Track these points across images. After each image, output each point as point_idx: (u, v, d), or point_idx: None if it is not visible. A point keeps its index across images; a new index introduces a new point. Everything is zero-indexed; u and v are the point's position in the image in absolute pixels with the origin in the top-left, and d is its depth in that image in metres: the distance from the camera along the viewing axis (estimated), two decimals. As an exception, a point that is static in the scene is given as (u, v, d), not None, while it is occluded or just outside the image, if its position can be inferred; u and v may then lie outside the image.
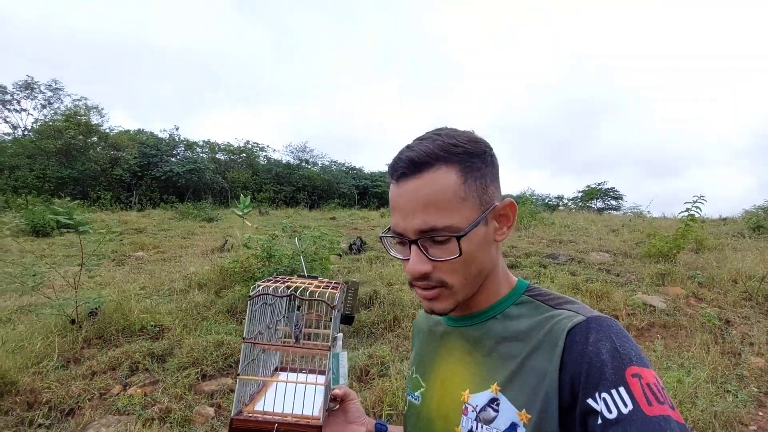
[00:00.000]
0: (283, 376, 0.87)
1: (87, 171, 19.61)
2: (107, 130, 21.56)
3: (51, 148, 19.15)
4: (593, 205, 27.25)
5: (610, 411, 0.46)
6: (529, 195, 31.22)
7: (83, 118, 20.47)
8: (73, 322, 3.63)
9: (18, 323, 3.88)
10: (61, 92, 24.15)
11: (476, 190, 0.57)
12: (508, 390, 0.56)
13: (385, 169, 0.63)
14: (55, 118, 20.79)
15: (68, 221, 3.55)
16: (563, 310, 0.57)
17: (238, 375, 0.72)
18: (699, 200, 5.78)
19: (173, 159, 22.71)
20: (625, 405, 0.45)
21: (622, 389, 0.46)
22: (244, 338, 0.73)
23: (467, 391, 0.60)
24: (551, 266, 5.65)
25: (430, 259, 0.57)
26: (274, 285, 0.78)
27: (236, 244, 8.20)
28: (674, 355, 3.27)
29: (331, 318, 0.78)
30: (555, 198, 29.29)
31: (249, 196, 8.68)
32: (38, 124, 22.57)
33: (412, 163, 0.56)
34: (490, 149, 0.60)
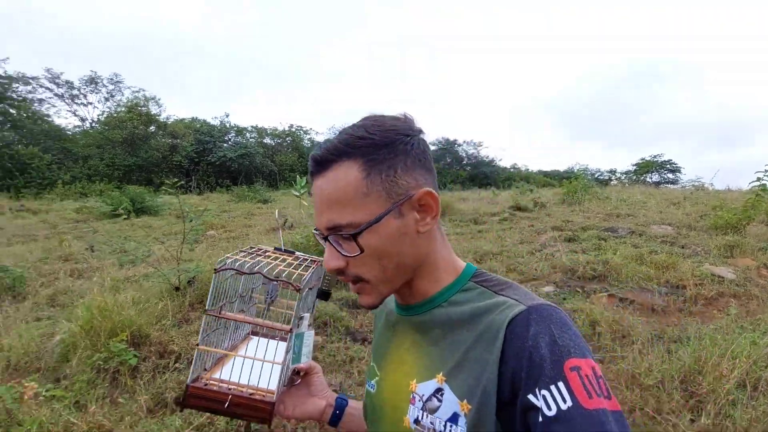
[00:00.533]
0: (253, 341, 0.87)
1: (150, 158, 21.10)
2: (165, 119, 22.98)
3: (117, 138, 20.72)
4: (649, 179, 25.91)
5: (549, 408, 0.46)
6: (579, 170, 30.10)
7: (143, 108, 21.90)
8: (177, 289, 4.15)
9: (128, 291, 4.49)
10: (121, 85, 25.83)
11: (381, 184, 0.55)
12: (452, 380, 0.56)
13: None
14: (118, 110, 22.35)
15: (174, 201, 4.01)
16: (506, 297, 0.57)
17: (197, 345, 0.72)
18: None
19: (225, 145, 23.82)
20: (564, 401, 0.46)
21: (561, 384, 0.47)
22: (206, 310, 0.73)
23: (414, 380, 0.61)
24: (611, 239, 5.64)
25: (342, 255, 0.58)
26: (245, 259, 0.77)
27: (297, 222, 8.72)
28: (746, 323, 3.30)
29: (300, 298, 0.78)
30: (607, 172, 28.06)
31: (304, 178, 9.12)
32: (103, 115, 24.36)
33: (315, 162, 0.58)
34: (407, 137, 0.57)
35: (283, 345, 0.83)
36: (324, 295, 0.81)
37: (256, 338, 0.88)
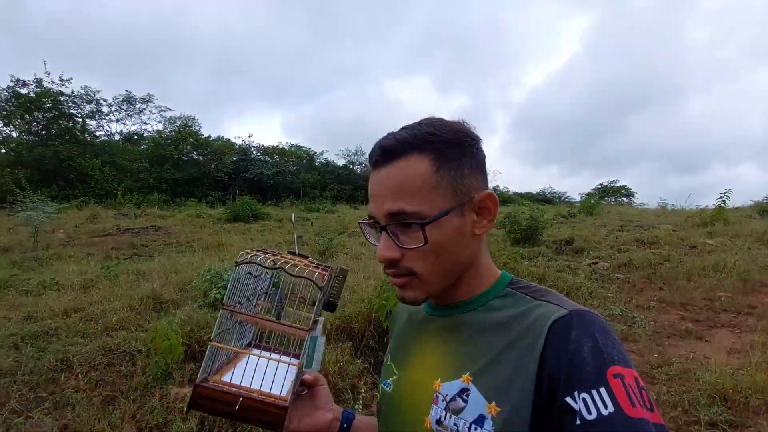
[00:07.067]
0: (254, 354, 0.84)
1: (194, 173, 23.34)
2: (206, 138, 25.32)
3: (168, 155, 22.86)
4: (607, 202, 31.54)
5: (589, 412, 0.46)
6: (551, 193, 35.38)
7: (189, 128, 24.26)
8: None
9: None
10: (150, 104, 27.89)
11: (450, 180, 0.57)
12: (479, 381, 0.55)
13: None
14: (170, 130, 24.49)
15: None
16: (546, 302, 0.57)
17: (210, 341, 0.71)
18: (726, 194, 9.89)
19: (257, 162, 26.52)
20: (605, 406, 0.45)
21: (603, 390, 0.46)
22: (223, 304, 0.73)
23: (439, 380, 0.60)
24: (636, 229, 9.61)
25: (399, 246, 0.58)
26: (263, 255, 0.75)
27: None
28: None
29: (315, 300, 0.77)
30: (579, 194, 33.45)
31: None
32: (128, 130, 26.13)
33: (384, 151, 0.58)
34: (474, 141, 0.61)
35: (285, 359, 0.80)
36: (330, 306, 0.81)
37: (257, 351, 0.83)
